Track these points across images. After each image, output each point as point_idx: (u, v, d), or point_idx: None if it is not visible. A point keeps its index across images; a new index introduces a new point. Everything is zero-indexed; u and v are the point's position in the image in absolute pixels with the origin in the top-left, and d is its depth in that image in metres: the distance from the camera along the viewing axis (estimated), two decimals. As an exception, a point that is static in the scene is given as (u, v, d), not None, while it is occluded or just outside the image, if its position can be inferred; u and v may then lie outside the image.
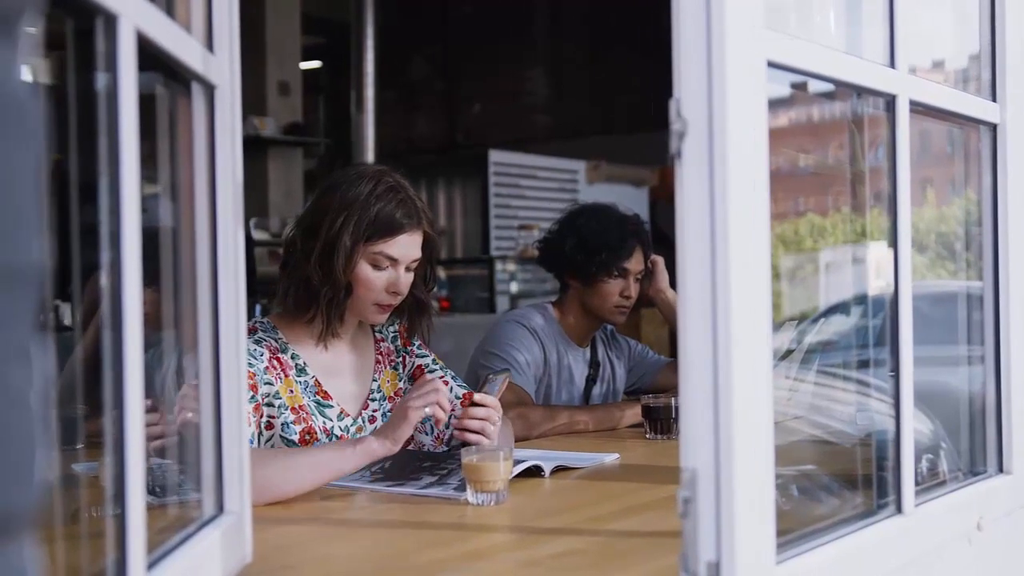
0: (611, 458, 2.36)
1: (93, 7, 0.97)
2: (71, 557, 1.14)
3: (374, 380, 2.36)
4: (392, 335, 2.44)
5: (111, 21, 1.00)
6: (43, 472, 0.56)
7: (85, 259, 1.04)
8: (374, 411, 2.34)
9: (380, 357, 2.39)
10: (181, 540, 1.23)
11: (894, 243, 1.54)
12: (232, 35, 1.39)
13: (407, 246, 2.22)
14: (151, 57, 1.11)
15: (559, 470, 2.19)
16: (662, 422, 2.65)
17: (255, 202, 7.44)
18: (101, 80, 1.01)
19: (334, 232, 2.16)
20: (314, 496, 1.94)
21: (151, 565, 1.08)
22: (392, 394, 2.38)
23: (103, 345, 1.01)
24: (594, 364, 3.15)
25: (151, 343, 1.09)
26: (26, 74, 0.54)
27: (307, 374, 2.24)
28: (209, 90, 1.35)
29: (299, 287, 2.21)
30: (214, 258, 1.37)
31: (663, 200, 8.20)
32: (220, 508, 1.37)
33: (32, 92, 0.53)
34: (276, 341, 2.23)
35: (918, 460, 1.66)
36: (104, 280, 1.00)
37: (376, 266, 2.21)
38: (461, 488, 1.92)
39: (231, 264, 1.38)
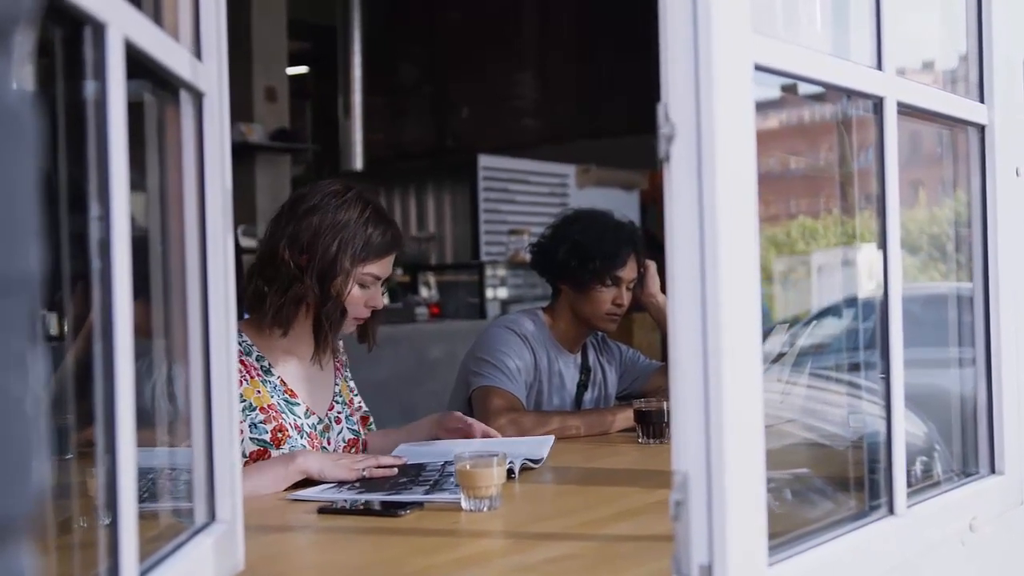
0: (548, 440, 2.42)
1: (82, 15, 0.97)
2: (61, 567, 1.14)
3: (336, 385, 2.46)
4: (341, 348, 2.55)
5: (99, 29, 0.99)
6: (40, 479, 0.56)
7: (74, 268, 1.04)
8: (338, 413, 2.44)
9: (339, 365, 2.50)
10: (173, 548, 1.22)
11: (883, 244, 1.55)
12: (220, 42, 1.39)
13: (390, 265, 2.36)
14: (138, 65, 1.11)
15: (526, 469, 2.21)
16: (654, 426, 2.65)
17: (242, 209, 7.42)
18: (89, 88, 1.01)
19: (331, 256, 2.25)
20: (307, 506, 1.93)
21: (143, 573, 1.08)
22: (347, 401, 2.48)
23: (92, 354, 1.01)
24: (585, 370, 3.15)
25: (141, 353, 1.09)
26: (21, 83, 0.54)
27: (273, 375, 2.31)
28: (197, 98, 1.35)
29: (290, 305, 2.27)
30: (204, 267, 1.36)
31: (653, 204, 8.20)
32: (212, 516, 1.37)
33: (27, 101, 0.54)
34: (240, 344, 2.27)
35: (912, 463, 1.66)
36: (94, 289, 1.00)
37: (362, 285, 2.31)
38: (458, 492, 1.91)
39: (221, 273, 1.38)
